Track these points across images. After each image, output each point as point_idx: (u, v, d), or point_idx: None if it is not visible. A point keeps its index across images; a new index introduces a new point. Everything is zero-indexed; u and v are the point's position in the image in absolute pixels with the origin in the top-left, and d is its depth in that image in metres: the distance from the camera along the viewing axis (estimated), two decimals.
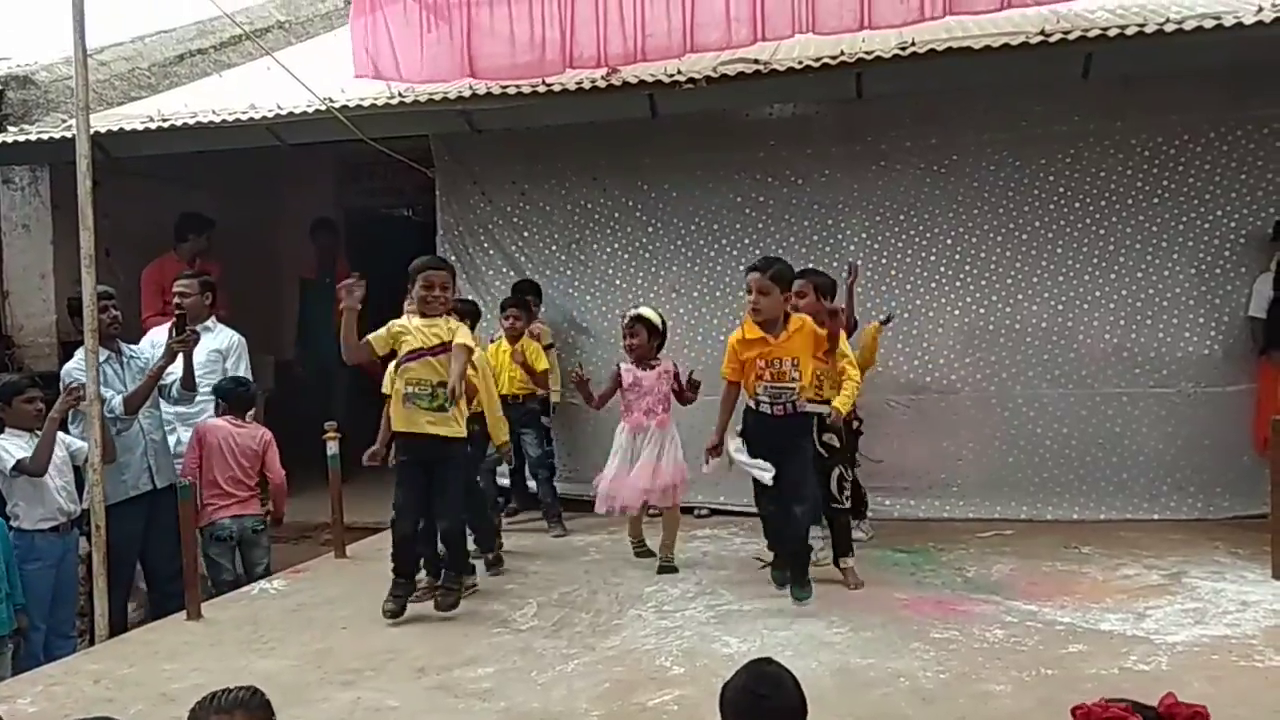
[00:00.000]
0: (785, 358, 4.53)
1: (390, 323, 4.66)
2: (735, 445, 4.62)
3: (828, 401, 4.85)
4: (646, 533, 5.63)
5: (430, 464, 4.60)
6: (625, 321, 5.50)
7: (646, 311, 5.49)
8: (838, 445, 5.02)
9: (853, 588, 4.90)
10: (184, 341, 5.32)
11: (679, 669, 3.90)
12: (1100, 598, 4.62)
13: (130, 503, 5.22)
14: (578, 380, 5.55)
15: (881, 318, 6.00)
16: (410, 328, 4.60)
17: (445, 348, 4.52)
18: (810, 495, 4.68)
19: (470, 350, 4.60)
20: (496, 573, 5.40)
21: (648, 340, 5.40)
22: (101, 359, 5.16)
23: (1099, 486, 6.13)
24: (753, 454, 4.57)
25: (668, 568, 5.38)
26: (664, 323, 5.52)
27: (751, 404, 4.66)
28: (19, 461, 4.85)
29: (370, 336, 4.58)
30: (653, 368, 5.40)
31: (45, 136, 6.86)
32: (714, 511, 6.45)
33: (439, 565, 4.91)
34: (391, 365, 4.71)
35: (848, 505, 5.14)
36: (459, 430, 4.63)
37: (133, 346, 5.57)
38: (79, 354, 5.17)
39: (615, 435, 5.45)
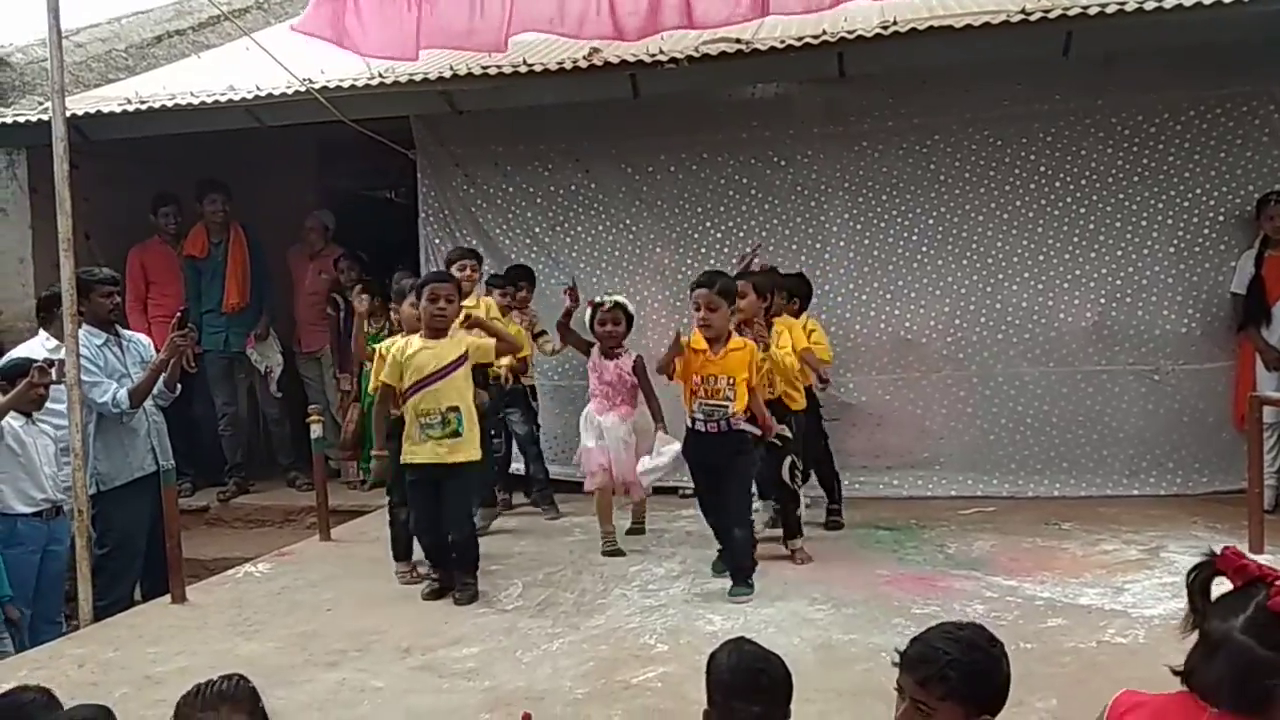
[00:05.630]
0: (720, 375, 4.57)
1: (391, 351, 4.64)
2: (670, 448, 4.93)
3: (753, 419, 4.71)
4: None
5: (439, 481, 4.59)
6: (605, 307, 5.36)
7: (623, 299, 5.48)
8: (790, 435, 5.03)
9: (800, 563, 5.01)
10: (185, 337, 5.32)
11: (663, 646, 3.93)
12: (1079, 573, 4.68)
13: (135, 484, 5.19)
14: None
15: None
16: (411, 356, 4.55)
17: (454, 366, 4.51)
18: (748, 520, 4.76)
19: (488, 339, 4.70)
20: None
21: (625, 330, 5.40)
22: (100, 342, 5.20)
23: (1079, 463, 6.18)
24: (692, 476, 4.81)
25: (636, 529, 5.60)
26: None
27: (689, 423, 4.71)
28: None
29: (384, 378, 4.63)
30: (616, 357, 5.38)
31: (21, 119, 6.77)
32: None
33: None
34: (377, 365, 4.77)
35: (798, 488, 5.16)
36: (473, 454, 4.60)
37: (129, 333, 5.53)
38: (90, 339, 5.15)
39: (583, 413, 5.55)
